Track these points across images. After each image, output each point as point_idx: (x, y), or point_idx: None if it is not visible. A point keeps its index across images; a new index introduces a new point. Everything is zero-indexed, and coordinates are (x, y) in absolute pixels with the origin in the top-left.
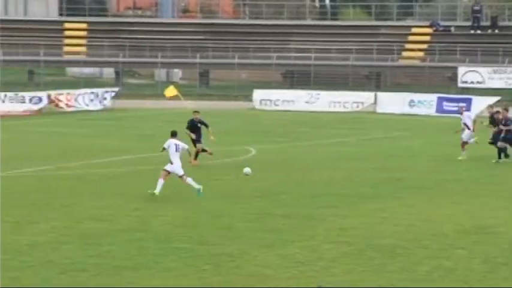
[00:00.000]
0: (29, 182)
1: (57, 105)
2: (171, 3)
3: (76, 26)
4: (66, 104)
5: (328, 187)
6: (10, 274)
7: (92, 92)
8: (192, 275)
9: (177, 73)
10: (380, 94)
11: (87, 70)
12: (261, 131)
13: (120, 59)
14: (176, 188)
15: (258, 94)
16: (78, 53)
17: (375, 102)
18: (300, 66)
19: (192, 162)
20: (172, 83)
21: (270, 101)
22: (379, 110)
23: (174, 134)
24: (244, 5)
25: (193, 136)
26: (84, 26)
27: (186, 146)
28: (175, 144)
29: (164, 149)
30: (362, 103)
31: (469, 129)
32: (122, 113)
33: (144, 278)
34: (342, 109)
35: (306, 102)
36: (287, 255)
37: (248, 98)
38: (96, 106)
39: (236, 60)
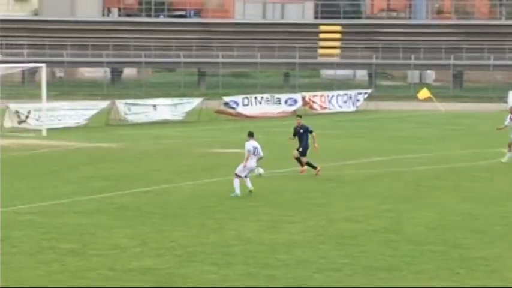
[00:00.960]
0: (283, 182)
1: (311, 107)
2: (424, 4)
3: (331, 29)
4: (320, 106)
5: None
6: (265, 272)
7: (345, 94)
8: (445, 277)
9: (430, 75)
10: None
11: (341, 72)
12: None
13: (373, 61)
14: (434, 191)
15: None
16: (332, 55)
17: None
18: None
19: (301, 169)
20: (426, 84)
21: None
22: None
23: (251, 135)
24: (501, 5)
25: (296, 144)
26: (338, 28)
27: (262, 154)
28: (254, 147)
29: (255, 149)
30: None
31: None
32: (375, 115)
33: (396, 279)
34: None
35: None
36: None
37: (503, 99)
38: (349, 108)
39: (492, 61)
